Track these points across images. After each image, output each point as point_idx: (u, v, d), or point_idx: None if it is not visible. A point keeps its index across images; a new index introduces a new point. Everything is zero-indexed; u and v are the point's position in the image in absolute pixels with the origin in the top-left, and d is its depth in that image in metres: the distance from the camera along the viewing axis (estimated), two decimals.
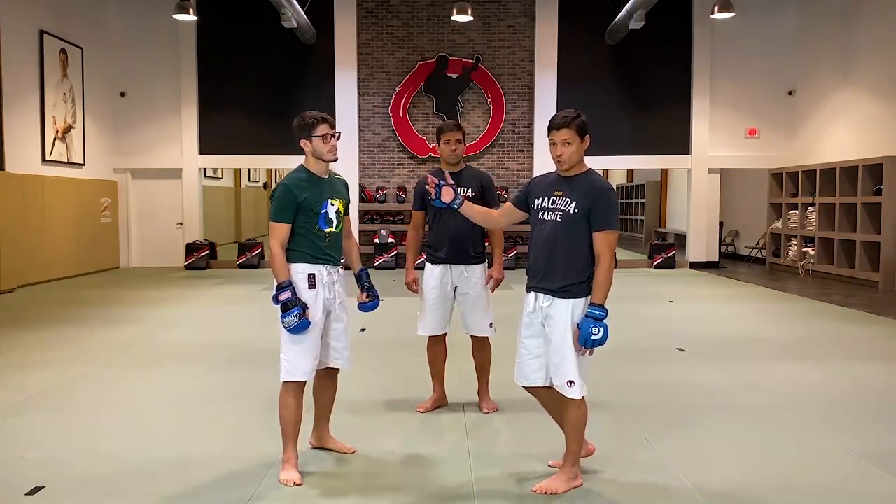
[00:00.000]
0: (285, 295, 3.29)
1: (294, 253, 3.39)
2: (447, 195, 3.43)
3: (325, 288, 3.41)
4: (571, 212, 3.17)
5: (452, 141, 4.32)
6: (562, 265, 3.18)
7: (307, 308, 3.33)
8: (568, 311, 3.16)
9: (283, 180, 3.43)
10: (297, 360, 3.36)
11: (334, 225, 3.46)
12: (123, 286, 11.09)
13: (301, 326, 3.28)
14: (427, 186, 3.45)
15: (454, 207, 3.46)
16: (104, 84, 13.51)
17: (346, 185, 3.63)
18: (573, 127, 3.15)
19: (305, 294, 3.36)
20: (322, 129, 3.41)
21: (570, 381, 3.16)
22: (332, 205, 3.45)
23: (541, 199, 3.28)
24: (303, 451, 3.52)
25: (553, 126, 3.19)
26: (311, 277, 3.37)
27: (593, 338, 3.07)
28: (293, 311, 3.27)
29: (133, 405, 4.67)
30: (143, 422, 4.32)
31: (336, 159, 3.47)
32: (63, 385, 5.12)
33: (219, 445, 3.89)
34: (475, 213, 3.56)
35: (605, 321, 3.09)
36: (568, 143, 3.16)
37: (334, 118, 13.51)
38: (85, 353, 6.21)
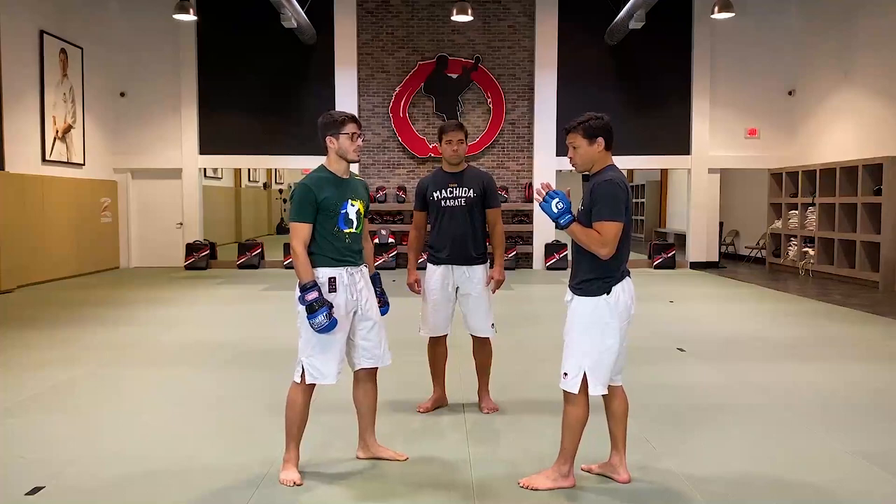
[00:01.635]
0: (312, 295, 3.25)
1: (314, 256, 3.36)
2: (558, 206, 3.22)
3: (347, 290, 3.39)
4: (580, 208, 3.26)
5: (454, 141, 4.32)
6: (579, 263, 3.24)
7: (333, 307, 3.30)
8: (580, 307, 3.19)
9: (303, 180, 3.42)
10: (321, 365, 3.35)
11: (354, 226, 3.44)
12: (123, 286, 11.09)
13: (330, 326, 3.26)
14: (540, 188, 3.17)
15: (561, 224, 3.14)
16: (104, 84, 13.51)
17: (366, 186, 3.61)
18: (578, 131, 3.22)
19: (327, 297, 3.33)
20: (350, 127, 3.42)
21: (565, 373, 3.19)
22: (353, 205, 3.44)
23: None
24: (304, 451, 3.52)
25: (564, 132, 3.31)
26: (332, 281, 3.35)
27: (553, 205, 3.12)
28: (321, 311, 3.24)
29: (133, 405, 4.67)
30: (142, 421, 4.32)
31: (359, 159, 3.49)
32: (63, 385, 5.12)
33: (219, 445, 3.89)
34: (580, 235, 3.15)
35: (558, 209, 3.11)
36: (574, 148, 3.25)
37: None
38: (85, 353, 6.21)
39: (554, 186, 3.20)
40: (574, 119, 3.29)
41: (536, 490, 3.22)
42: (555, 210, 3.13)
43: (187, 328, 7.54)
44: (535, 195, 3.22)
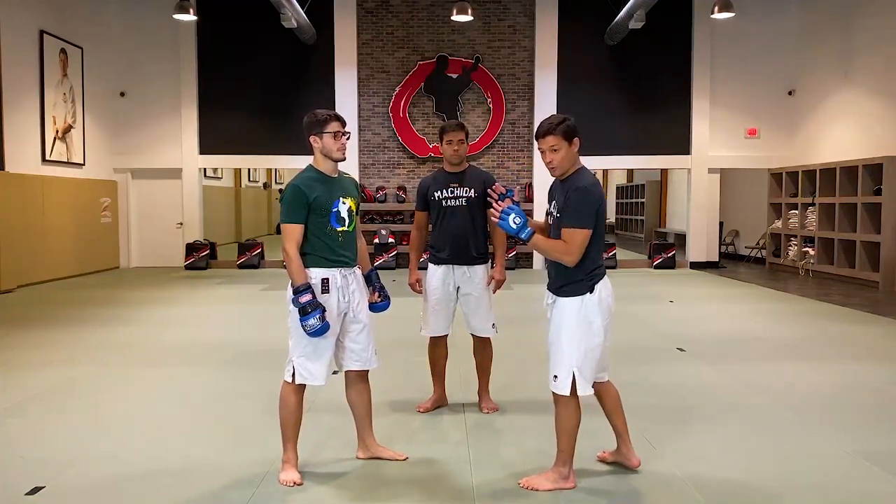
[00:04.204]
0: (305, 297, 3.23)
1: (308, 257, 3.34)
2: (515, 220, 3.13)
3: (340, 292, 3.38)
4: (556, 215, 3.23)
5: (455, 141, 4.32)
6: (556, 265, 3.21)
7: (326, 310, 3.28)
8: (565, 308, 3.18)
9: (292, 180, 3.39)
10: (311, 365, 3.34)
11: (347, 224, 3.42)
12: (123, 286, 11.09)
13: (322, 329, 3.24)
14: (490, 196, 3.17)
15: (522, 238, 3.10)
16: (104, 84, 13.51)
17: (356, 184, 3.59)
18: (558, 133, 3.16)
19: (319, 298, 3.31)
20: (333, 126, 3.39)
21: (555, 376, 3.18)
22: (344, 203, 3.42)
23: (548, 204, 3.35)
24: (302, 451, 3.51)
25: (538, 134, 3.22)
26: (326, 282, 3.33)
27: (511, 221, 3.08)
28: (314, 313, 3.22)
29: (133, 405, 4.67)
30: (142, 422, 4.32)
31: (344, 158, 3.46)
32: (63, 385, 5.12)
33: (219, 445, 3.89)
34: (544, 247, 3.17)
35: (516, 225, 3.08)
36: (555, 150, 3.18)
37: None
38: (85, 353, 6.20)
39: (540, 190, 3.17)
40: (546, 121, 3.22)
41: (536, 491, 3.22)
42: (513, 226, 3.09)
43: (187, 328, 7.53)
44: (490, 215, 3.20)
